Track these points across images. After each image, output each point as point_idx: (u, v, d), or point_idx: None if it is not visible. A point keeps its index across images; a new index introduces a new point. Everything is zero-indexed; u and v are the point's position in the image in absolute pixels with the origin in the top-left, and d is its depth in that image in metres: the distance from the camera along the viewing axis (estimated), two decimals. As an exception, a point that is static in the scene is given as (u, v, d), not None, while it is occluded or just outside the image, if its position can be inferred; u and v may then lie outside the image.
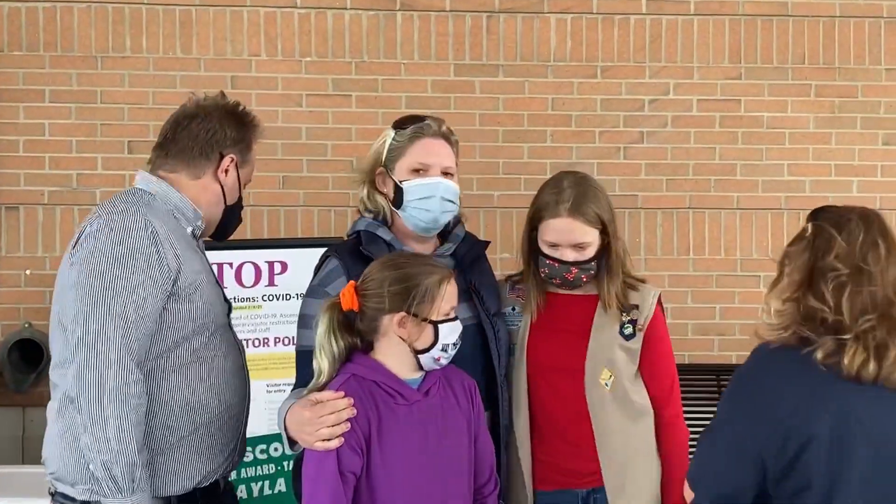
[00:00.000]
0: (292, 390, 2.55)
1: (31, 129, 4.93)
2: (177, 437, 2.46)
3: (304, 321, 2.59)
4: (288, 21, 4.99)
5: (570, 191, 2.67)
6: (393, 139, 2.69)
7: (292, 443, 2.37)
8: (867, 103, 5.13)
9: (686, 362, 4.87)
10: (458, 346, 2.40)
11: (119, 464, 2.30)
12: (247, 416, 2.67)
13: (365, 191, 2.72)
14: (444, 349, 2.38)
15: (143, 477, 2.35)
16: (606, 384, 2.66)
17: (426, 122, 2.70)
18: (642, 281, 2.81)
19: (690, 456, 2.39)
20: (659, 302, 2.77)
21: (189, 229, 2.58)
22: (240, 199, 2.74)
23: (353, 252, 2.62)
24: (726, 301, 5.06)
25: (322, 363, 2.37)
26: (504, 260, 4.33)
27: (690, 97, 5.11)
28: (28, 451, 4.75)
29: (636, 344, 2.71)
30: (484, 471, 2.47)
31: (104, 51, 4.93)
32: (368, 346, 2.42)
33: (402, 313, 2.34)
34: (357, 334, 2.41)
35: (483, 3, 5.03)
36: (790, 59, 5.11)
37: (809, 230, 2.12)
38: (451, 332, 2.38)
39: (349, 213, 4.89)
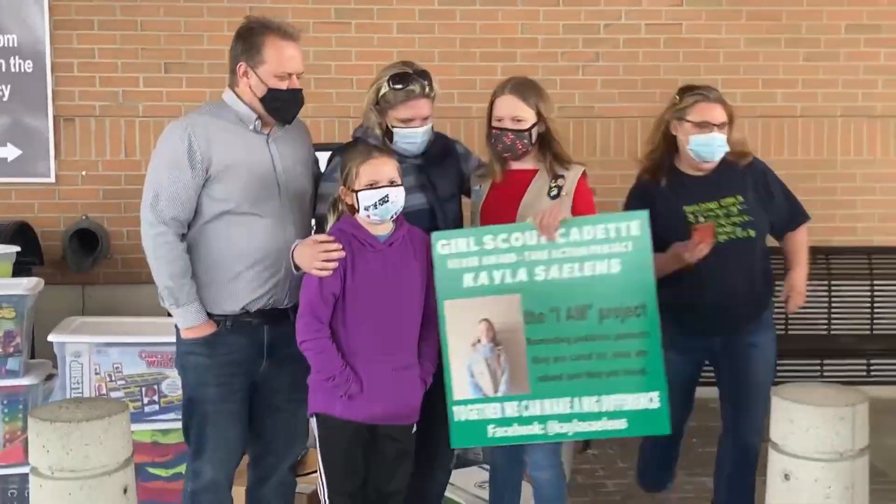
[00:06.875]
0: None
1: (83, 53, 5.75)
2: (227, 276, 3.38)
3: (321, 188, 3.55)
4: (299, -41, 5.74)
5: (514, 81, 3.60)
6: (386, 93, 3.48)
7: (296, 268, 3.30)
8: (790, 26, 5.94)
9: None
10: (383, 207, 3.22)
11: (163, 289, 3.35)
12: (286, 263, 3.42)
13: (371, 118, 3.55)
14: (366, 209, 3.23)
15: (184, 296, 3.32)
16: None
17: (412, 86, 3.46)
18: (573, 162, 3.62)
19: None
20: (584, 175, 3.58)
21: (250, 127, 3.42)
22: (274, 90, 3.38)
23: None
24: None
25: (330, 218, 3.36)
26: (478, 160, 5.21)
27: (639, 22, 5.92)
28: (88, 321, 5.64)
29: (560, 203, 3.49)
30: (432, 313, 3.38)
31: (143, -15, 5.70)
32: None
33: (343, 187, 3.31)
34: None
35: (465, -58, 5.80)
36: (725, -14, 5.91)
37: None
38: (368, 198, 3.21)
39: (350, 123, 5.65)
